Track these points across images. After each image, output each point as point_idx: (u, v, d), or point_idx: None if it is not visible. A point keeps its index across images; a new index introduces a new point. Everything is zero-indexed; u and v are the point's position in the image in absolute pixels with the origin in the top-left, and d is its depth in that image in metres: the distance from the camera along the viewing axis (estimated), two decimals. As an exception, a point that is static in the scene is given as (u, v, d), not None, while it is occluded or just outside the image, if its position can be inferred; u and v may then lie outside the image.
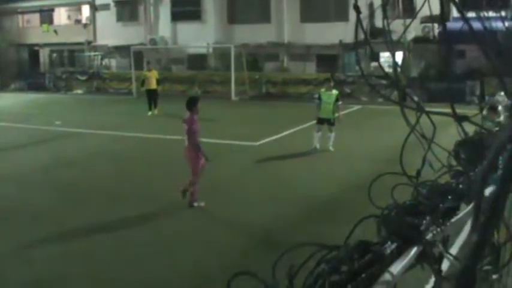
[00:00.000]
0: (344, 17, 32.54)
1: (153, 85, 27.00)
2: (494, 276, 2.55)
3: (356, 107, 28.65)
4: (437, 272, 2.11)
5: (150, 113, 26.60)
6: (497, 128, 11.33)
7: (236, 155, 15.90)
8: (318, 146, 17.13)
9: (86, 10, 44.68)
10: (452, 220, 2.31)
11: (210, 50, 38.33)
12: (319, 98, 17.19)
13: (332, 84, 17.70)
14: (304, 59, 35.48)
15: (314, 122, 17.75)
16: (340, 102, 17.20)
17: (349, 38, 31.71)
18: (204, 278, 8.28)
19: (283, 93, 33.73)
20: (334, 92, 17.26)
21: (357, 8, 1.97)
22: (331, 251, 1.74)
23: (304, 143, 17.92)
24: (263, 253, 8.77)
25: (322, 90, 17.64)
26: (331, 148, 17.04)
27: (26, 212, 11.56)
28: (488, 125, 11.57)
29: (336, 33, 32.55)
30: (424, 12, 2.96)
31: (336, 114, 17.07)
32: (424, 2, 2.39)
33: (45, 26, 45.85)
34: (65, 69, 43.54)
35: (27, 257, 9.13)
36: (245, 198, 12.40)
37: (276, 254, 1.88)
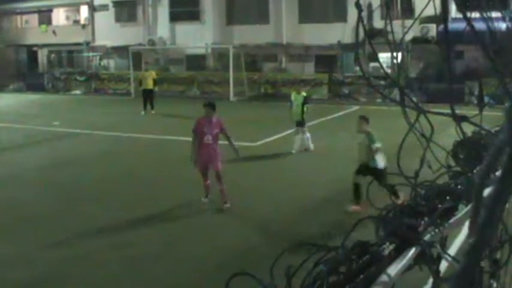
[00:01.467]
0: (342, 18, 32.57)
1: (149, 85, 27.16)
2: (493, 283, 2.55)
3: (354, 108, 28.65)
4: (436, 273, 2.11)
5: (142, 112, 26.78)
6: (367, 141, 11.14)
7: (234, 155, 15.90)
8: (309, 147, 17.17)
9: (84, 11, 44.62)
10: (451, 221, 2.31)
11: (209, 50, 38.33)
12: (291, 101, 17.35)
13: (303, 89, 17.88)
14: (303, 60, 35.47)
15: (312, 123, 17.78)
16: (308, 105, 17.16)
17: (347, 38, 31.77)
18: (203, 277, 8.27)
19: (281, 94, 33.70)
20: (302, 94, 17.39)
21: (358, 6, 1.96)
22: (329, 251, 1.73)
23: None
24: (262, 253, 8.76)
25: (294, 92, 17.78)
26: (311, 148, 17.11)
27: (24, 213, 11.54)
28: (361, 139, 11.42)
29: (335, 34, 32.58)
30: (423, 12, 2.96)
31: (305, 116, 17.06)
32: (428, 2, 2.38)
33: (43, 26, 45.81)
34: (63, 69, 43.48)
35: (26, 257, 9.12)
36: (243, 199, 12.39)
37: (275, 254, 1.87)
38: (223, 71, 34.84)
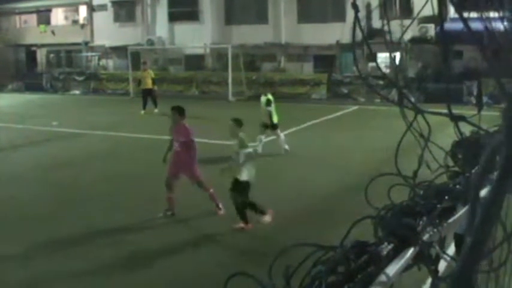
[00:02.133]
0: (341, 18, 32.56)
1: (148, 85, 27.25)
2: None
3: (353, 108, 28.69)
4: (434, 273, 2.11)
5: (142, 112, 26.81)
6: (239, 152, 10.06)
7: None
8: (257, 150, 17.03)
9: (83, 11, 44.64)
10: (449, 221, 2.31)
11: (207, 50, 38.34)
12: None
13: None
14: (302, 60, 35.50)
15: (310, 123, 17.76)
16: (269, 108, 16.98)
17: (346, 38, 31.77)
18: (202, 277, 8.27)
19: (280, 94, 33.64)
20: (267, 96, 17.26)
21: (355, 7, 1.96)
22: (328, 251, 1.74)
23: (301, 143, 17.96)
24: (261, 253, 8.77)
25: (263, 95, 17.74)
26: (259, 151, 16.57)
27: (23, 212, 11.54)
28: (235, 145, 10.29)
29: (333, 33, 32.57)
30: (422, 12, 2.96)
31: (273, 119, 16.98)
32: (426, 2, 2.39)
33: (42, 26, 45.83)
34: (62, 69, 43.50)
35: (25, 257, 9.12)
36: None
37: (274, 254, 1.88)
38: (222, 71, 34.85)
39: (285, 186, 13.46)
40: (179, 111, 11.47)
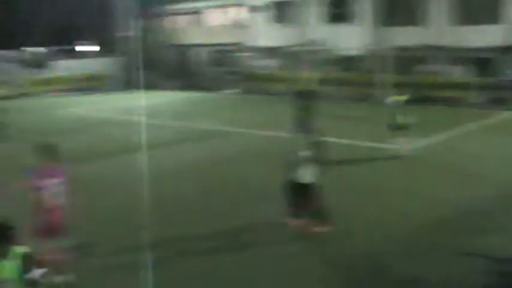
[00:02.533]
0: (501, 20, 31.25)
1: (310, 86, 27.43)
2: None
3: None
4: None
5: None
6: None
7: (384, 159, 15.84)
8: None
9: (240, 11, 45.61)
10: None
11: (364, 52, 37.98)
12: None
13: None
14: (458, 63, 34.34)
15: (465, 128, 17.22)
16: (400, 107, 17.40)
17: (507, 40, 30.42)
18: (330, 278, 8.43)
19: (433, 97, 32.62)
20: (402, 97, 17.86)
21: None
22: (502, 263, 1.97)
23: (455, 150, 17.59)
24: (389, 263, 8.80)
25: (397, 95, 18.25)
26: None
27: (191, 206, 12.39)
28: None
29: (492, 35, 31.29)
30: None
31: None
32: None
33: (198, 26, 47.59)
34: (218, 68, 44.63)
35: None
36: (394, 203, 12.36)
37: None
38: (378, 73, 34.41)
39: (441, 191, 13.26)
40: None
